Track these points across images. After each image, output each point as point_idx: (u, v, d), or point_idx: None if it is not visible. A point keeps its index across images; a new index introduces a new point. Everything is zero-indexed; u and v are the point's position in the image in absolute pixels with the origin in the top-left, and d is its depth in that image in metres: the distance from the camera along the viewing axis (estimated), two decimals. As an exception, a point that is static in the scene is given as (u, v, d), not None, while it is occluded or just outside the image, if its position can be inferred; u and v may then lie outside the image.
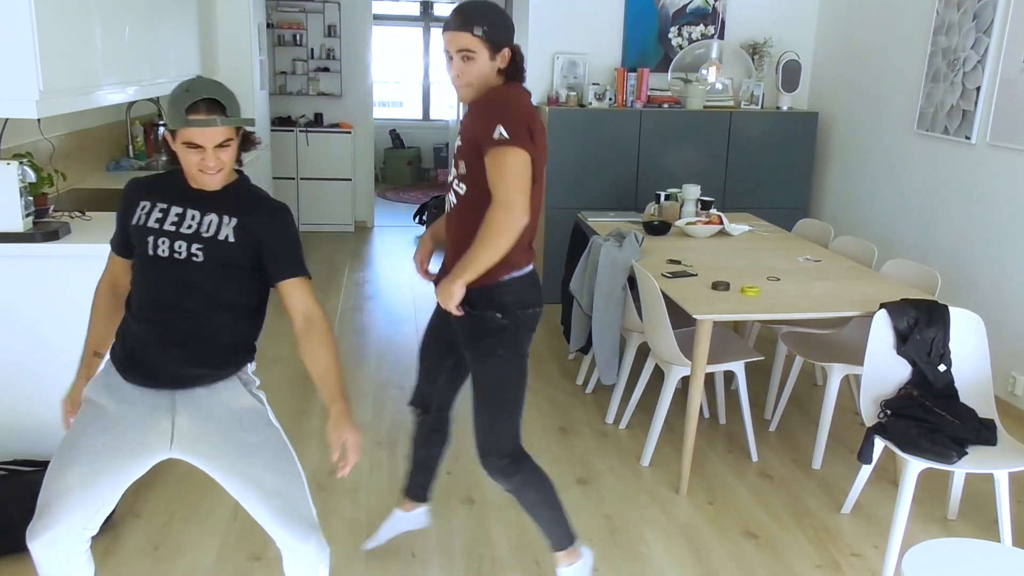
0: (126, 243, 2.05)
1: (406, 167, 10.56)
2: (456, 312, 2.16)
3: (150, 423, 2.00)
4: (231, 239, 1.96)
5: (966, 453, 2.69)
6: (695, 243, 4.11)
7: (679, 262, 3.72)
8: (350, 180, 7.76)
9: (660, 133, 5.53)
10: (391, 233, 7.96)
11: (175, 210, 1.97)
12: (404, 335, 5.08)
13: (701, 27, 5.84)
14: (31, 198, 3.06)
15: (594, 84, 5.57)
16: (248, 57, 5.82)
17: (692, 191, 4.53)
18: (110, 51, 3.59)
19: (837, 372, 3.44)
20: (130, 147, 4.87)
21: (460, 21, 2.10)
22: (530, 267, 2.27)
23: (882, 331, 3.00)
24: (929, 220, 4.76)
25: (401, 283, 6.23)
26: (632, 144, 5.52)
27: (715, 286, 3.34)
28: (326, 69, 7.86)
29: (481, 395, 2.33)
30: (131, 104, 4.72)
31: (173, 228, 1.96)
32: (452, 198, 2.27)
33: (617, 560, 2.85)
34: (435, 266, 2.51)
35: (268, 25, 7.47)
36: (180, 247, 1.95)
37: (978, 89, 4.29)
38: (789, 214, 5.45)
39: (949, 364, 2.95)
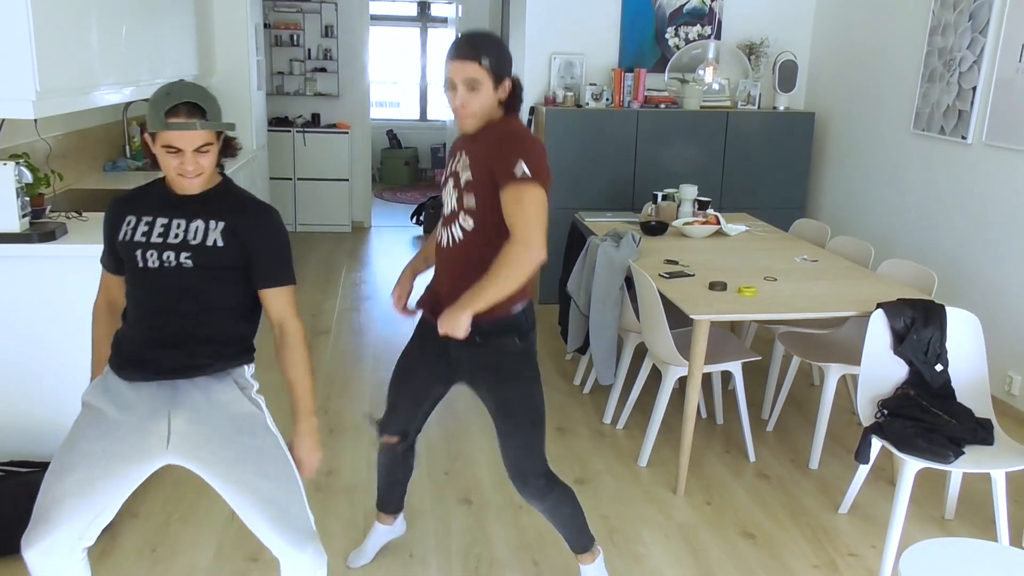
0: (116, 260, 2.05)
1: (403, 167, 10.56)
2: (461, 336, 2.10)
3: (148, 427, 1.99)
4: (219, 243, 1.95)
5: (963, 453, 2.70)
6: (692, 243, 4.12)
7: (676, 262, 3.72)
8: (347, 180, 7.75)
9: (657, 133, 5.53)
10: (388, 233, 7.96)
11: (160, 221, 1.96)
12: (402, 335, 5.07)
13: (698, 27, 5.84)
14: (28, 198, 3.06)
15: (591, 84, 5.58)
16: (245, 57, 5.82)
17: (689, 191, 4.53)
18: (107, 51, 3.58)
19: (834, 372, 3.44)
20: (127, 147, 4.86)
21: (467, 51, 2.08)
22: None
23: (879, 331, 3.00)
24: (926, 220, 4.77)
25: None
26: (629, 144, 5.52)
27: (712, 286, 3.34)
28: (323, 69, 7.86)
29: (512, 420, 2.31)
30: (128, 104, 4.71)
31: (160, 240, 1.95)
32: (456, 232, 2.19)
33: (615, 560, 2.85)
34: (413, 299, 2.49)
35: (265, 25, 7.46)
36: (169, 257, 1.94)
37: (974, 89, 4.30)
38: (786, 214, 5.46)
39: (946, 364, 2.96)
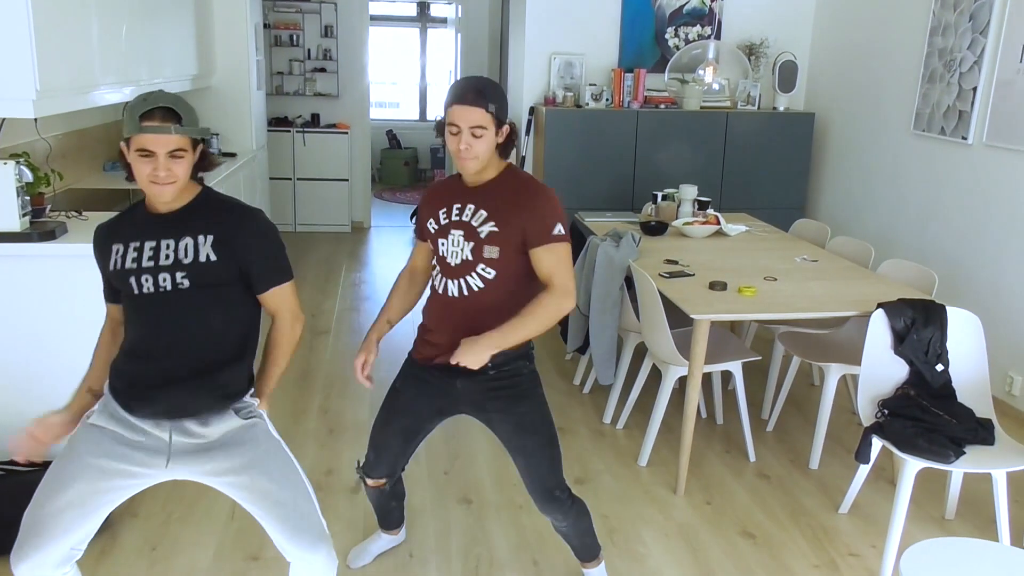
0: (112, 289, 2.03)
1: (403, 167, 10.57)
2: (474, 368, 2.18)
3: (151, 445, 1.99)
4: (212, 257, 1.93)
5: (964, 453, 2.70)
6: (692, 243, 4.11)
7: (676, 262, 3.72)
8: (347, 180, 7.75)
9: (657, 133, 5.53)
10: (388, 233, 7.96)
11: (148, 244, 1.93)
12: (401, 336, 5.05)
13: (698, 28, 5.84)
14: (28, 198, 3.06)
15: (591, 85, 5.58)
16: (245, 57, 5.82)
17: (689, 191, 4.53)
18: (107, 51, 3.58)
19: (834, 372, 3.44)
20: (127, 147, 4.85)
21: (474, 98, 2.10)
22: None
23: (879, 331, 3.00)
24: (926, 220, 4.77)
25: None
26: (629, 144, 5.52)
27: (712, 286, 3.34)
28: (323, 70, 7.85)
29: (533, 438, 2.35)
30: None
31: (151, 263, 1.92)
32: (473, 282, 2.22)
33: (615, 560, 2.85)
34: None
35: (265, 25, 7.46)
36: (164, 280, 1.92)
37: (975, 90, 4.30)
38: (786, 214, 5.46)
39: (946, 364, 2.96)
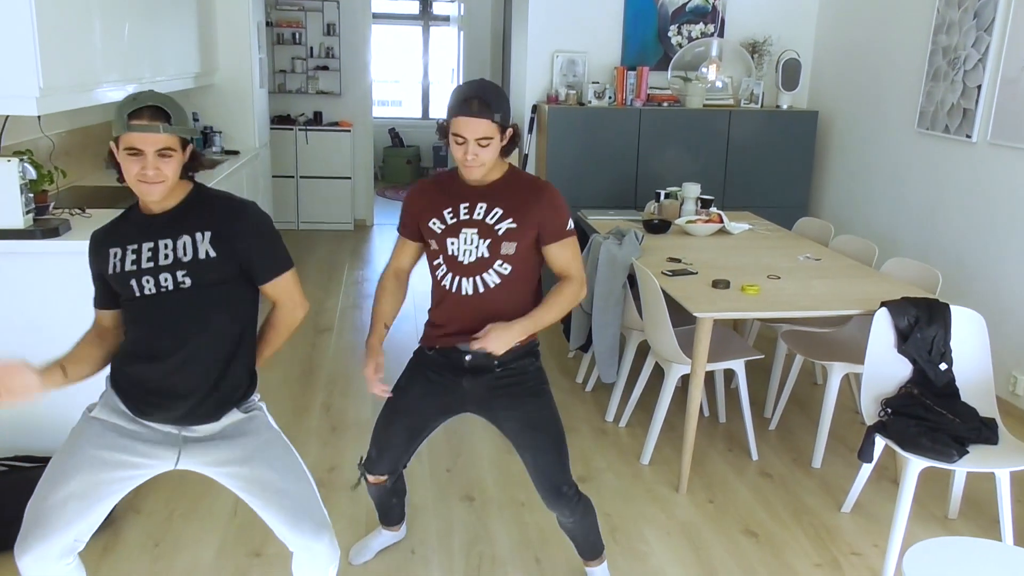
0: (108, 295, 2.01)
1: (405, 166, 10.57)
2: (498, 353, 2.21)
3: (160, 439, 2.01)
4: (212, 254, 1.93)
5: (967, 452, 2.69)
6: (695, 241, 4.11)
7: (679, 260, 3.71)
8: (349, 178, 7.75)
9: (660, 132, 5.52)
10: (390, 231, 7.96)
11: (146, 246, 1.93)
12: (403, 333, 5.07)
13: (701, 25, 5.83)
14: (31, 195, 3.06)
15: (594, 83, 5.57)
16: (247, 55, 5.82)
17: (692, 189, 4.53)
18: (110, 49, 3.58)
19: (837, 371, 3.44)
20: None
21: (480, 109, 2.11)
22: None
23: (883, 330, 3.00)
24: (930, 219, 4.76)
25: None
26: (632, 143, 5.51)
27: (715, 284, 3.33)
28: (325, 68, 7.86)
29: (542, 434, 2.36)
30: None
31: (151, 264, 1.92)
32: (490, 279, 2.25)
33: (617, 558, 2.85)
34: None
35: (267, 23, 7.46)
36: (166, 280, 1.92)
37: (979, 88, 4.29)
38: (789, 213, 5.45)
39: (950, 363, 2.95)
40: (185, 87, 4.92)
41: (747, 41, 5.85)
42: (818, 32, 5.94)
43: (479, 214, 2.24)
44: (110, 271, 1.95)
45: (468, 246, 2.24)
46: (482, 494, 3.26)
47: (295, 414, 3.88)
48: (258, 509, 2.06)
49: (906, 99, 4.95)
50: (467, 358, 2.31)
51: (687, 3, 5.78)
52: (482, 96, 2.12)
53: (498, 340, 2.18)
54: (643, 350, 3.79)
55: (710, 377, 4.02)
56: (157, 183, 1.88)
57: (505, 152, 2.23)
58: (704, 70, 5.67)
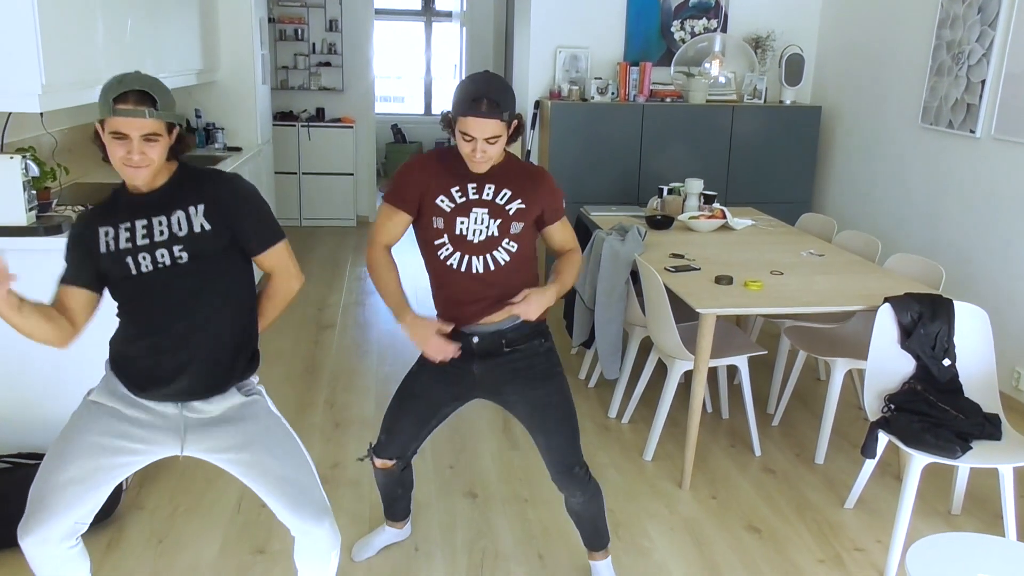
0: (84, 271, 1.95)
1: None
2: (532, 319, 2.29)
3: (159, 423, 2.01)
4: (206, 227, 1.94)
5: (970, 448, 2.69)
6: (698, 237, 4.11)
7: (682, 256, 3.71)
8: (352, 175, 7.75)
9: (663, 127, 5.51)
10: (393, 228, 7.95)
11: (140, 224, 1.93)
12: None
13: (704, 21, 5.82)
14: (34, 192, 3.07)
15: (596, 78, 5.56)
16: (250, 52, 5.82)
17: (695, 185, 4.52)
18: (112, 46, 3.59)
19: (840, 366, 3.43)
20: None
21: (489, 109, 2.12)
22: None
23: (886, 325, 2.99)
24: (933, 214, 4.75)
25: (402, 278, 6.22)
26: (635, 138, 5.51)
27: (718, 280, 3.33)
28: (328, 64, 7.85)
29: (554, 417, 2.38)
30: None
31: (146, 241, 1.92)
32: (500, 256, 2.28)
33: (620, 554, 2.85)
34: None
35: (270, 20, 7.46)
36: (162, 255, 1.92)
37: (983, 83, 4.28)
38: (792, 208, 5.44)
39: (953, 358, 2.95)
40: (187, 83, 4.92)
41: (750, 36, 5.84)
42: (821, 27, 5.92)
43: (488, 194, 2.27)
44: (102, 249, 1.93)
45: (478, 226, 2.26)
46: (485, 490, 3.26)
47: (298, 410, 3.88)
48: (260, 494, 2.09)
49: (910, 94, 4.93)
50: (474, 340, 2.32)
51: (690, -2, 5.76)
52: (491, 95, 2.13)
53: (535, 304, 2.25)
54: (646, 346, 3.79)
55: (713, 373, 4.02)
56: (142, 167, 1.87)
57: (509, 142, 2.25)
58: (707, 65, 5.66)
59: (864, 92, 5.41)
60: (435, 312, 2.41)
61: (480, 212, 2.26)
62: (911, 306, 2.98)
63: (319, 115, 7.80)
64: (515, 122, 2.22)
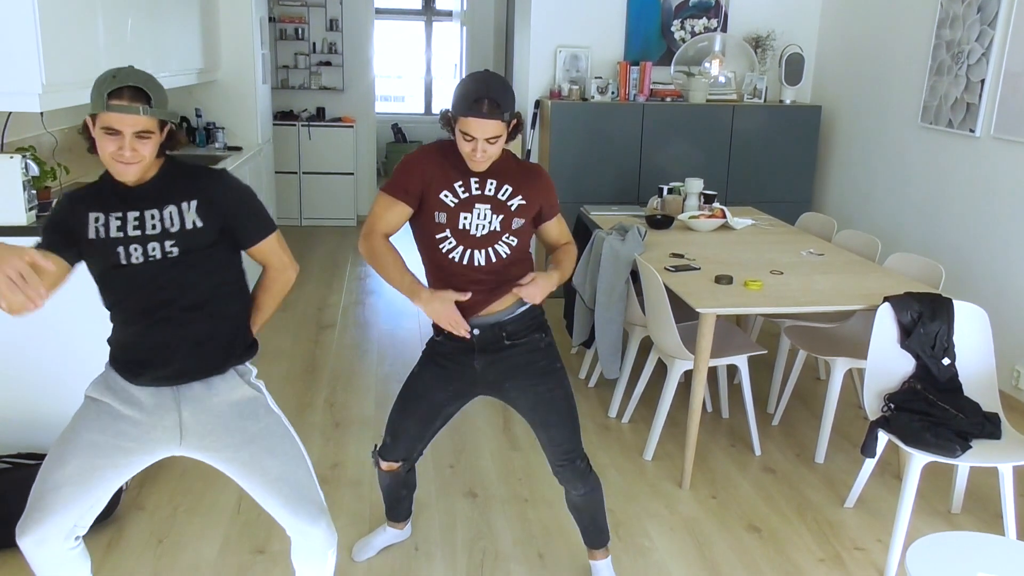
0: (73, 252, 1.92)
1: (408, 161, 10.55)
2: (537, 302, 2.32)
3: (155, 421, 2.00)
4: (199, 223, 1.93)
5: (970, 447, 2.69)
6: (698, 237, 4.11)
7: (682, 256, 3.71)
8: (352, 174, 7.75)
9: (663, 127, 5.52)
10: (393, 227, 7.96)
11: (131, 215, 1.91)
12: (406, 330, 5.08)
13: (704, 20, 5.82)
14: (34, 191, 3.07)
15: (597, 78, 5.56)
16: (250, 51, 5.82)
17: (695, 185, 4.52)
18: (113, 45, 3.59)
19: (840, 366, 3.43)
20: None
21: (489, 110, 2.13)
22: None
23: (886, 325, 2.99)
24: (933, 214, 4.75)
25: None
26: (635, 138, 5.51)
27: (718, 280, 3.33)
28: (328, 63, 7.85)
29: (556, 411, 2.40)
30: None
31: (138, 232, 1.91)
32: (501, 250, 2.30)
33: (620, 554, 2.86)
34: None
35: (270, 19, 7.46)
36: (154, 249, 1.91)
37: (982, 82, 4.28)
38: (792, 208, 5.44)
39: (953, 358, 2.95)
40: (188, 83, 4.92)
41: (750, 36, 5.84)
42: (821, 27, 5.92)
43: (491, 190, 2.29)
44: (90, 235, 1.91)
45: (481, 220, 2.28)
46: (485, 490, 3.26)
47: (298, 410, 3.88)
48: (256, 495, 2.07)
49: (909, 94, 4.93)
50: (475, 332, 2.32)
51: (690, -2, 5.76)
52: (492, 96, 2.14)
53: (541, 287, 2.28)
54: (646, 346, 3.79)
55: (713, 373, 4.02)
56: (133, 164, 1.85)
57: (508, 140, 2.26)
58: (707, 65, 5.66)
59: (864, 91, 5.41)
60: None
61: (483, 208, 2.27)
62: (911, 305, 2.98)
63: (319, 114, 7.80)
64: (514, 121, 2.23)
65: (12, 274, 1.59)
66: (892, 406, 2.88)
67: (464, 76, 2.24)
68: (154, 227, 1.91)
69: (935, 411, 2.80)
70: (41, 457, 2.88)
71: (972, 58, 4.36)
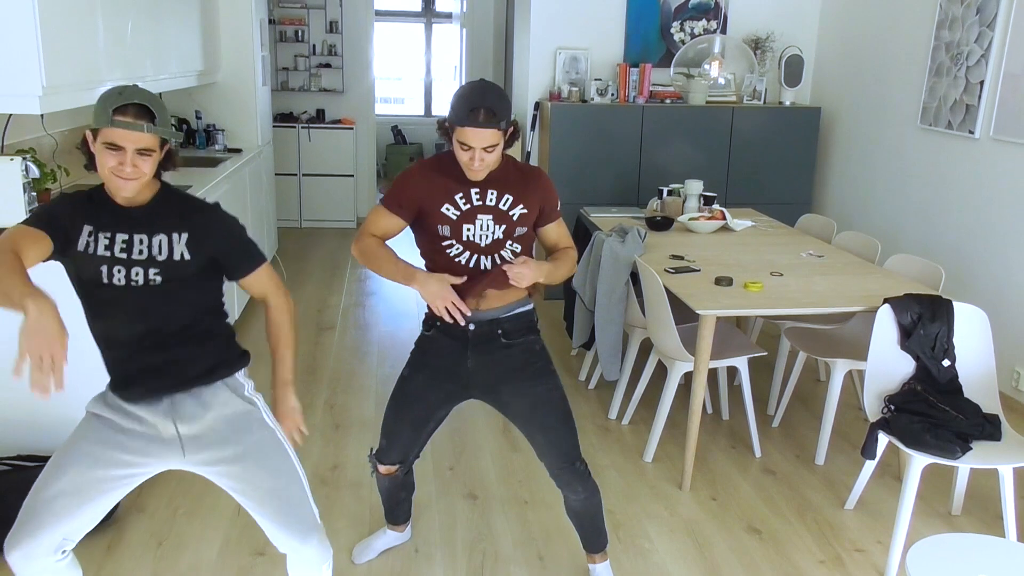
0: (61, 240, 1.89)
1: (408, 163, 10.56)
2: (523, 286, 2.28)
3: (154, 434, 2.00)
4: (186, 256, 1.94)
5: (970, 448, 2.69)
6: (698, 238, 4.11)
7: (682, 257, 3.71)
8: (352, 176, 7.75)
9: (662, 128, 5.52)
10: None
11: (120, 237, 1.92)
12: (406, 331, 5.08)
13: (703, 22, 5.82)
14: (34, 193, 3.07)
15: (596, 79, 5.57)
16: (250, 53, 5.82)
17: (695, 186, 4.52)
18: (113, 47, 3.59)
19: (840, 367, 3.43)
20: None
21: (486, 120, 2.14)
22: None
23: (886, 326, 2.99)
24: (933, 215, 4.75)
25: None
26: (634, 140, 5.51)
27: (718, 281, 3.33)
28: (328, 65, 7.86)
29: (553, 413, 2.40)
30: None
31: (124, 255, 1.91)
32: (506, 256, 2.33)
33: (620, 555, 2.85)
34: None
35: (270, 21, 7.46)
36: (137, 274, 1.91)
37: (981, 83, 4.28)
38: (792, 209, 5.45)
39: (953, 359, 2.95)
40: (188, 85, 4.92)
41: (750, 37, 5.84)
42: (821, 28, 5.92)
43: (491, 200, 2.30)
44: (80, 246, 1.92)
45: (484, 231, 2.29)
46: (485, 492, 3.26)
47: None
48: (249, 509, 2.07)
49: (909, 95, 4.94)
50: (470, 327, 2.33)
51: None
52: (488, 106, 2.15)
53: (531, 269, 2.25)
54: (646, 347, 3.79)
55: (713, 374, 4.02)
56: (132, 180, 1.87)
57: (505, 148, 2.27)
58: (707, 67, 5.67)
59: (863, 93, 5.41)
60: (426, 307, 2.41)
61: (485, 218, 2.29)
62: (911, 307, 2.98)
63: (319, 116, 7.80)
64: (511, 128, 2.24)
65: (45, 356, 1.64)
66: (892, 407, 2.88)
67: (460, 86, 2.25)
68: (141, 252, 1.92)
69: (935, 413, 2.80)
70: (41, 459, 2.88)
71: (971, 59, 4.36)
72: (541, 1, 5.63)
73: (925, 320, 2.95)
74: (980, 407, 2.86)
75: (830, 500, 3.26)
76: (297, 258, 6.65)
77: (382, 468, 2.58)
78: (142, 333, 1.95)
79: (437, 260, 2.33)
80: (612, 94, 5.57)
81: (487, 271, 2.30)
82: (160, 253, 1.93)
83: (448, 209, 2.28)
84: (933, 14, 4.69)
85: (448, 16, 10.76)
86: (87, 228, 1.92)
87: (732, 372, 4.25)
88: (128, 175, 1.85)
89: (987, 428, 2.78)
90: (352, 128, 7.66)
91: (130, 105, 1.84)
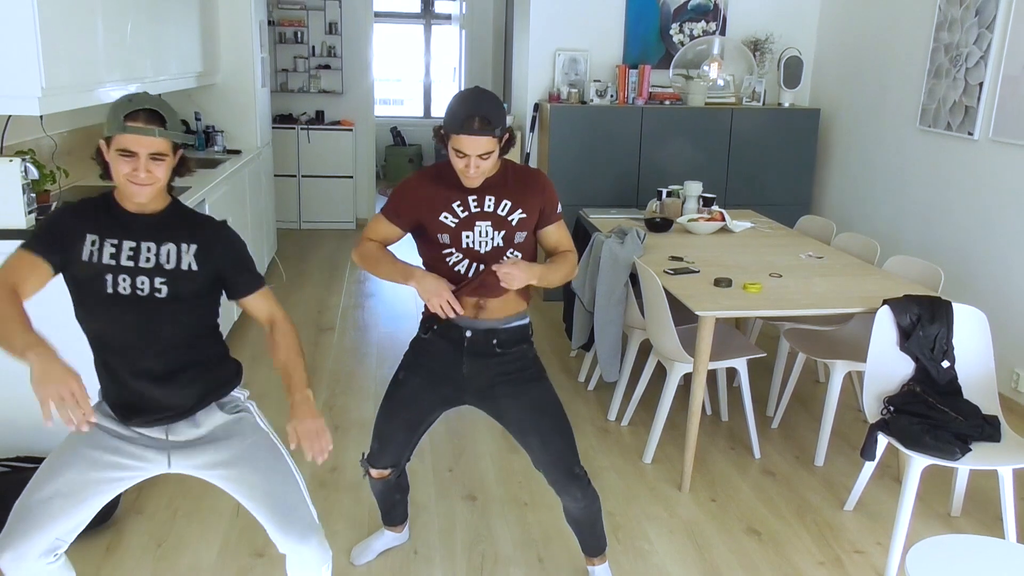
0: (59, 260, 1.90)
1: (407, 164, 10.56)
2: (515, 287, 2.23)
3: (148, 442, 2.03)
4: (194, 267, 1.95)
5: (970, 449, 2.69)
6: (697, 240, 4.11)
7: (681, 259, 3.71)
8: (351, 177, 7.76)
9: (662, 130, 5.52)
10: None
11: (128, 244, 1.92)
12: (405, 332, 5.07)
13: (703, 23, 5.83)
14: (33, 195, 3.07)
15: (595, 81, 5.57)
16: (250, 55, 5.82)
17: (694, 188, 4.52)
18: (112, 48, 3.59)
19: (840, 369, 3.43)
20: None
21: (481, 127, 2.14)
22: None
23: (885, 327, 2.99)
24: (932, 216, 4.75)
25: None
26: (634, 141, 5.51)
27: (717, 283, 3.33)
28: (327, 66, 7.86)
29: (549, 419, 2.41)
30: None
31: (131, 263, 1.91)
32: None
33: (619, 557, 2.85)
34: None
35: (269, 23, 7.46)
36: (142, 283, 1.91)
37: (981, 85, 4.28)
38: (791, 211, 5.45)
39: (952, 360, 2.95)
40: (187, 86, 4.92)
41: (749, 39, 5.84)
42: (820, 30, 5.93)
43: (489, 206, 2.29)
44: (84, 256, 1.91)
45: (483, 238, 2.30)
46: (484, 493, 3.26)
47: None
48: (250, 509, 2.09)
49: (908, 96, 4.94)
50: (467, 334, 2.33)
51: (689, 1, 5.77)
52: (482, 114, 2.15)
53: (520, 270, 2.21)
54: (645, 349, 3.79)
55: (712, 375, 4.01)
56: (147, 185, 1.88)
57: (501, 154, 2.27)
58: (706, 68, 5.67)
59: (862, 94, 5.41)
60: (423, 309, 2.42)
61: (484, 225, 2.29)
62: (910, 308, 2.98)
63: (318, 118, 7.80)
64: (506, 136, 2.25)
65: (65, 393, 1.67)
66: (891, 409, 2.88)
67: (455, 93, 2.25)
68: (148, 260, 1.92)
69: (934, 414, 2.80)
70: (39, 461, 2.87)
71: (970, 61, 4.36)
72: (540, 2, 5.63)
73: (924, 321, 2.95)
74: (979, 408, 2.86)
75: (829, 501, 3.26)
76: (296, 259, 6.65)
77: (374, 472, 2.58)
78: (141, 346, 1.95)
79: (438, 270, 2.33)
80: (611, 95, 5.57)
81: (479, 272, 2.29)
82: (168, 262, 1.93)
83: (446, 217, 2.29)
84: (932, 16, 4.70)
85: (447, 17, 10.77)
86: (91, 237, 1.92)
87: (731, 373, 4.25)
88: (142, 180, 1.87)
89: (986, 429, 2.78)
90: (351, 129, 7.66)
91: (141, 111, 1.86)
